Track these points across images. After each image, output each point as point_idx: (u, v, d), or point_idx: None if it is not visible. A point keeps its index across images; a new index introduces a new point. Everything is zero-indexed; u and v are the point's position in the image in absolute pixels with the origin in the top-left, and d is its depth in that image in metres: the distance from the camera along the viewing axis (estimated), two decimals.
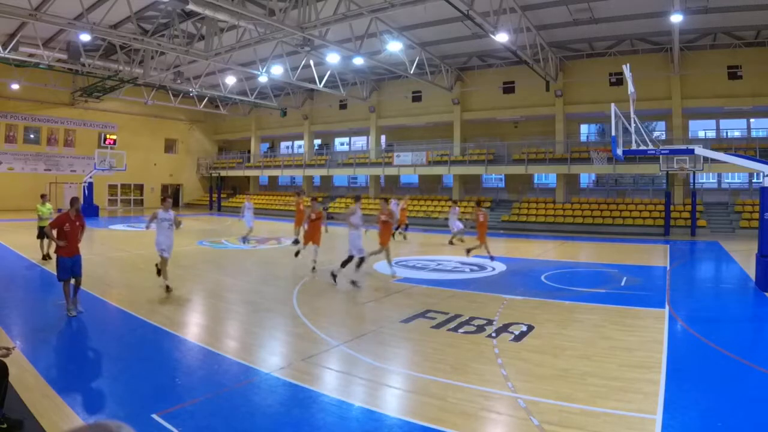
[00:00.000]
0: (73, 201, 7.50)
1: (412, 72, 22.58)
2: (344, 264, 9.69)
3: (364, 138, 33.07)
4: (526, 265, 11.26)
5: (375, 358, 5.52)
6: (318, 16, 15.95)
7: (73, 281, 7.20)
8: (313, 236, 11.48)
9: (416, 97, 29.15)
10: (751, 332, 7.25)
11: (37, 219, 12.31)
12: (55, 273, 7.20)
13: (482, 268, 12.09)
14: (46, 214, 12.08)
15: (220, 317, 7.63)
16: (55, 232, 7.18)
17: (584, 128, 26.47)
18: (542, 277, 10.55)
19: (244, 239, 16.62)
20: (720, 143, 22.05)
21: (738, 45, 20.54)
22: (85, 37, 18.32)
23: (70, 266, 7.10)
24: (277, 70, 23.82)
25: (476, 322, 6.97)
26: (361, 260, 9.68)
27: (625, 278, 10.54)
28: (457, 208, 18.64)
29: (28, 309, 8.01)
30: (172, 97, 32.34)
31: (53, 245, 7.46)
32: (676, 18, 15.69)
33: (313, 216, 11.56)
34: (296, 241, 13.98)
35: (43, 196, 12.89)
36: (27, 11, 16.15)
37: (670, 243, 17.42)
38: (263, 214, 31.71)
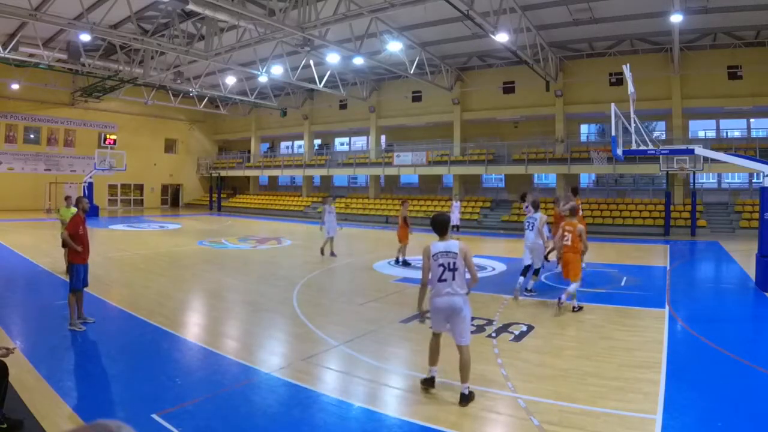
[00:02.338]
0: (80, 200, 7.02)
1: (412, 72, 22.57)
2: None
3: (364, 138, 33.07)
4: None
5: (375, 358, 5.53)
6: (318, 16, 15.95)
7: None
8: (404, 237, 12.18)
9: (416, 97, 29.15)
10: (751, 332, 7.25)
11: (61, 224, 10.77)
12: (68, 280, 6.67)
13: (482, 268, 12.09)
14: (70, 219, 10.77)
15: (220, 317, 7.63)
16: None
17: (584, 128, 26.47)
18: (542, 277, 10.53)
19: (332, 252, 13.60)
20: (720, 143, 22.05)
21: (738, 45, 20.54)
22: (85, 37, 18.31)
23: (83, 274, 6.69)
24: (277, 70, 23.82)
25: (476, 322, 6.96)
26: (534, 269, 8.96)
27: (625, 278, 10.54)
28: (457, 203, 18.92)
29: (28, 309, 8.01)
30: (172, 97, 32.33)
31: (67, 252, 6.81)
32: (676, 18, 15.68)
33: (400, 221, 12.42)
34: (398, 261, 12.27)
35: (67, 199, 11.23)
36: (27, 11, 16.15)
37: (670, 243, 17.41)
38: (263, 214, 31.73)
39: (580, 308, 7.73)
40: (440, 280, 4.52)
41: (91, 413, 4.15)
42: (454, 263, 4.50)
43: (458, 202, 19.17)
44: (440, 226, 4.64)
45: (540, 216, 9.03)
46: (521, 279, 8.84)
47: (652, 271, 11.80)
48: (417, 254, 13.27)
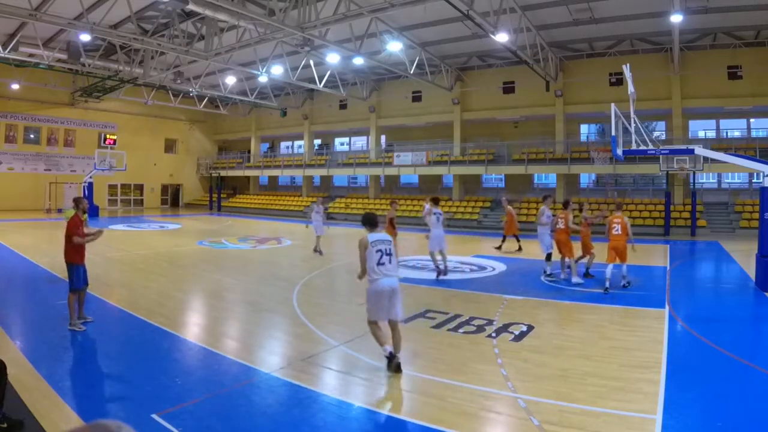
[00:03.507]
0: (79, 201, 7.07)
1: (412, 72, 22.57)
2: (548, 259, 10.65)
3: (364, 138, 33.07)
4: (526, 265, 11.26)
5: (375, 358, 5.52)
6: (318, 16, 15.95)
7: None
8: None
9: (416, 97, 29.15)
10: (751, 332, 7.25)
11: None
12: (68, 280, 6.67)
13: (482, 268, 12.08)
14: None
15: (220, 317, 7.63)
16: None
17: (584, 128, 26.46)
18: (542, 277, 10.54)
19: (316, 249, 13.95)
20: (720, 143, 22.04)
21: (738, 45, 20.53)
22: (85, 37, 18.31)
23: (83, 274, 6.73)
24: (277, 70, 23.82)
25: (476, 322, 6.97)
26: (549, 255, 10.60)
27: (623, 280, 10.52)
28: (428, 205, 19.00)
29: (28, 309, 8.01)
30: (172, 97, 32.33)
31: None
32: (676, 18, 15.68)
33: (386, 223, 11.78)
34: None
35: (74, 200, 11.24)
36: (27, 11, 16.15)
37: (670, 243, 17.41)
38: (263, 214, 31.73)
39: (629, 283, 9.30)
40: (379, 263, 5.18)
41: (91, 413, 4.15)
42: (389, 249, 5.29)
43: (429, 205, 19.19)
44: (370, 221, 5.44)
45: (542, 209, 10.77)
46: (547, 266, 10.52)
47: (652, 271, 11.79)
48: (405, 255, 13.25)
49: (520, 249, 14.92)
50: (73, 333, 6.36)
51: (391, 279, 5.23)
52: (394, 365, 5.03)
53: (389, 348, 5.12)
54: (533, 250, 14.33)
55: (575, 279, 9.97)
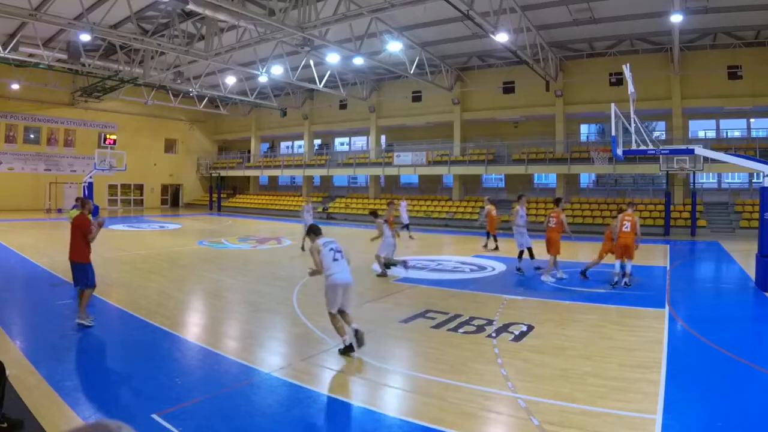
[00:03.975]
0: (86, 202, 7.20)
1: (412, 72, 22.58)
2: (519, 257, 11.41)
3: (364, 138, 33.07)
4: (526, 265, 11.26)
5: (375, 358, 5.52)
6: (318, 16, 15.95)
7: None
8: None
9: (416, 97, 29.14)
10: (751, 332, 7.25)
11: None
12: (85, 280, 6.92)
13: (482, 268, 12.09)
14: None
15: (220, 317, 7.63)
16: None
17: (584, 128, 26.47)
18: (543, 277, 10.53)
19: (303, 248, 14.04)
20: (720, 143, 22.05)
21: (738, 45, 20.54)
22: (85, 37, 18.28)
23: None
24: (277, 70, 23.81)
25: (476, 322, 6.97)
26: (521, 253, 11.45)
27: (625, 278, 10.52)
28: (404, 202, 19.25)
29: (28, 309, 8.01)
30: (172, 97, 32.32)
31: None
32: (676, 18, 15.69)
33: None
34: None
35: (79, 200, 11.05)
36: (27, 11, 16.14)
37: (670, 243, 17.40)
38: (263, 214, 31.74)
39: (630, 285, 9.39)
40: (334, 260, 5.73)
41: (91, 413, 4.15)
42: (339, 248, 5.86)
43: (405, 202, 19.55)
44: (315, 231, 6.01)
45: (517, 209, 11.71)
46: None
47: (652, 271, 11.78)
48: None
49: (486, 246, 15.36)
50: (73, 333, 6.35)
51: (345, 274, 5.74)
52: (356, 333, 5.51)
53: (347, 339, 5.61)
54: (533, 250, 14.34)
55: (546, 276, 10.22)
